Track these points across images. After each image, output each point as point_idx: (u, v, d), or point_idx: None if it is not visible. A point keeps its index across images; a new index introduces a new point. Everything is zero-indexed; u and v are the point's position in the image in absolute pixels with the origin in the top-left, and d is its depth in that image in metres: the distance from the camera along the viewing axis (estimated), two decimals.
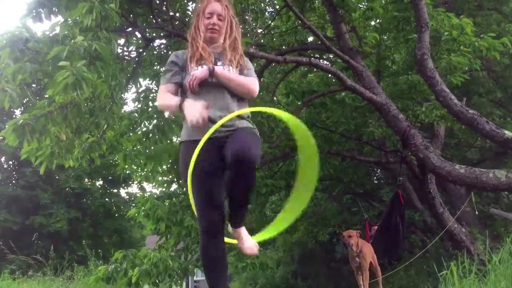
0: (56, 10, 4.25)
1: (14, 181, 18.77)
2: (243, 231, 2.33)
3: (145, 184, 17.93)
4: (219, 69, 2.29)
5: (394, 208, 6.23)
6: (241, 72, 2.40)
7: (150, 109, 6.60)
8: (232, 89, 2.32)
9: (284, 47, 7.55)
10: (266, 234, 2.43)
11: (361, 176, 9.93)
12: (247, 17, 6.74)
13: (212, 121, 2.16)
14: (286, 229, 2.47)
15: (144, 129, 6.71)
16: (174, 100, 2.27)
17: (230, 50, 2.39)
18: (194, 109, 2.13)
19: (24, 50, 4.03)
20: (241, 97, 2.36)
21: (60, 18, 4.29)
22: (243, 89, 2.33)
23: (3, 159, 18.90)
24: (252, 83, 2.37)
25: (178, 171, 7.48)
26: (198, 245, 6.26)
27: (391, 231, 6.15)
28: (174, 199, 7.04)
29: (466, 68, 6.44)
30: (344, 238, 5.44)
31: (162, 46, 6.70)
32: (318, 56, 8.32)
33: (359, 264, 5.28)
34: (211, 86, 2.28)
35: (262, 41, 7.54)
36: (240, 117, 2.29)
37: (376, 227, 6.83)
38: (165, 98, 2.32)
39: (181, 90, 2.37)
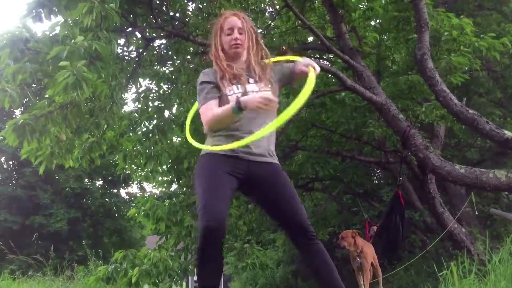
0: (56, 10, 4.25)
1: (14, 181, 18.77)
2: None
3: (145, 184, 17.98)
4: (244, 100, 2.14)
5: (394, 208, 6.22)
6: (277, 77, 2.37)
7: (150, 109, 6.60)
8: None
9: (286, 46, 7.54)
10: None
11: (361, 176, 9.92)
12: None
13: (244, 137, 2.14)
14: None
15: (144, 129, 6.71)
16: (225, 106, 2.18)
17: (257, 63, 2.34)
18: (259, 95, 2.10)
19: (24, 50, 4.03)
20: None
21: (60, 18, 4.29)
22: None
23: (3, 159, 18.91)
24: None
25: (178, 171, 7.49)
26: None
27: (391, 231, 6.15)
28: (174, 199, 7.04)
29: (466, 68, 6.44)
30: (337, 240, 5.45)
31: (162, 46, 6.70)
32: (318, 56, 8.32)
33: (360, 264, 5.28)
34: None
35: (262, 41, 7.52)
36: (271, 151, 2.28)
37: (375, 227, 6.83)
38: (215, 110, 2.21)
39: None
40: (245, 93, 2.22)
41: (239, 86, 2.26)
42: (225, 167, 2.17)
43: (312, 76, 2.12)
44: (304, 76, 2.19)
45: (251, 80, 2.30)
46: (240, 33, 2.32)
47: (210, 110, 2.21)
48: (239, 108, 2.09)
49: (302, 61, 2.27)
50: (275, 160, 2.29)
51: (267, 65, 2.39)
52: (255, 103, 2.06)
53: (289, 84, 2.45)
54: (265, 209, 2.34)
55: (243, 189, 2.29)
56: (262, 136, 2.15)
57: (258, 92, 2.23)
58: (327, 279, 2.17)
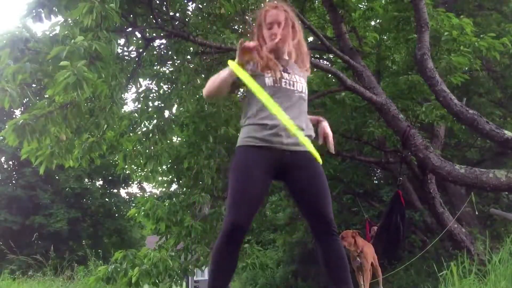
0: (56, 10, 4.25)
1: (14, 181, 18.78)
2: None
3: (145, 184, 17.99)
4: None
5: (394, 208, 6.22)
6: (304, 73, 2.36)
7: (150, 109, 6.60)
8: None
9: None
10: None
11: (361, 176, 9.92)
12: (247, 17, 6.74)
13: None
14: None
15: (144, 129, 6.71)
16: (224, 71, 2.15)
17: (296, 54, 2.34)
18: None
19: (24, 50, 4.03)
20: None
21: (60, 18, 4.29)
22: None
23: (3, 159, 18.92)
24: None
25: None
26: (198, 245, 6.28)
27: (391, 231, 6.15)
28: (174, 199, 7.04)
29: (466, 68, 6.44)
30: None
31: (162, 46, 6.69)
32: (318, 56, 8.32)
33: (360, 264, 5.29)
34: (289, 92, 2.20)
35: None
36: (310, 136, 2.25)
37: (375, 227, 6.83)
38: (213, 77, 2.20)
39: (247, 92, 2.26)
40: (277, 80, 2.20)
41: (270, 73, 2.22)
42: (258, 163, 2.14)
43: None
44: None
45: (288, 70, 2.27)
46: (281, 27, 2.28)
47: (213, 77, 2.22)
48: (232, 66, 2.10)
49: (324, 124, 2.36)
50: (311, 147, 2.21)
51: (304, 58, 2.38)
52: (239, 52, 2.07)
53: None
54: (293, 198, 2.33)
55: (279, 178, 2.27)
56: (300, 125, 2.15)
57: (295, 81, 2.23)
58: (339, 275, 2.15)
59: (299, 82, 2.25)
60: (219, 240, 2.11)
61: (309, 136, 2.23)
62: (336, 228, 2.20)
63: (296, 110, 2.19)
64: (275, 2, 2.38)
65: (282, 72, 2.23)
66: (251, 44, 2.07)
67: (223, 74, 2.16)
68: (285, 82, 2.21)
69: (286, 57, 2.32)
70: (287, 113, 2.09)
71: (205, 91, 2.25)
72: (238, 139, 2.23)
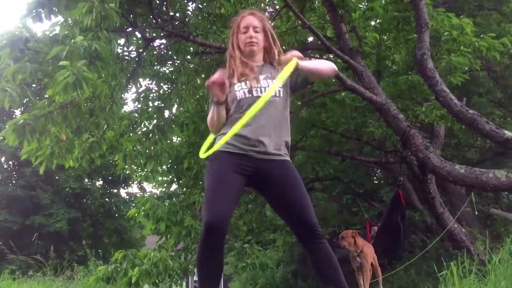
0: (56, 10, 4.25)
1: (14, 181, 18.77)
2: None
3: (145, 184, 17.99)
4: (302, 62, 2.20)
5: (395, 208, 6.22)
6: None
7: (150, 109, 6.60)
8: (315, 76, 2.35)
9: (284, 47, 7.54)
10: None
11: (361, 176, 9.93)
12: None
13: (252, 141, 2.18)
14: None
15: (144, 129, 6.71)
16: (213, 110, 2.28)
17: (269, 61, 2.38)
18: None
19: (24, 50, 4.03)
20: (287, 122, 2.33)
21: (60, 18, 4.29)
22: (321, 76, 2.39)
23: (3, 159, 18.90)
24: (326, 63, 2.36)
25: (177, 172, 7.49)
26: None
27: (391, 231, 6.15)
28: (174, 199, 7.06)
29: (466, 68, 6.44)
30: (338, 240, 5.45)
31: (162, 46, 6.70)
32: (318, 56, 8.31)
33: (360, 264, 5.28)
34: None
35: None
36: (282, 146, 2.27)
37: (376, 228, 6.83)
38: (209, 117, 2.33)
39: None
40: (250, 89, 2.24)
41: (246, 82, 2.27)
42: (231, 166, 2.16)
43: (293, 62, 2.17)
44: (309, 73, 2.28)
45: (262, 77, 2.30)
46: (256, 32, 2.34)
47: (208, 116, 2.34)
48: (214, 101, 2.24)
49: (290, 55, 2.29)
50: (284, 155, 2.25)
51: (280, 63, 2.37)
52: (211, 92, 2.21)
53: (297, 85, 2.42)
54: (273, 207, 2.35)
55: (253, 185, 2.30)
56: (271, 133, 2.21)
57: (266, 87, 2.25)
58: (332, 278, 2.17)
59: (269, 85, 2.26)
60: (199, 245, 2.12)
61: (276, 149, 2.23)
62: (321, 231, 2.20)
63: (264, 117, 2.20)
64: (251, 9, 2.48)
65: (255, 80, 2.28)
66: (215, 79, 2.16)
67: (214, 113, 2.28)
68: (256, 90, 2.25)
69: (260, 62, 2.36)
70: (255, 121, 2.15)
71: (210, 129, 2.37)
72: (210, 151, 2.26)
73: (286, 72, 2.13)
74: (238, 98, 2.24)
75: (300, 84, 2.40)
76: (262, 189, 2.30)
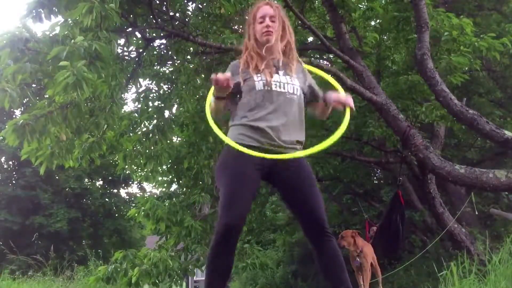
0: (56, 10, 4.25)
1: (14, 181, 18.77)
2: None
3: (145, 184, 17.99)
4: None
5: (394, 208, 6.22)
6: (304, 79, 2.34)
7: (150, 109, 6.60)
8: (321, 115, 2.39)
9: None
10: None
11: (361, 176, 9.92)
12: (247, 17, 6.73)
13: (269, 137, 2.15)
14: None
15: (144, 129, 6.71)
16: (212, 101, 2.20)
17: (284, 54, 2.32)
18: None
19: (24, 50, 4.03)
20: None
21: (60, 18, 4.29)
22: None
23: (3, 159, 18.91)
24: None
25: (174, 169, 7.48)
26: (198, 245, 6.28)
27: (391, 231, 6.15)
28: (174, 199, 7.06)
29: (466, 68, 6.44)
30: (337, 240, 5.46)
31: (162, 46, 6.69)
32: (318, 56, 8.32)
33: (359, 264, 5.29)
34: (281, 98, 2.20)
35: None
36: (298, 144, 2.25)
37: (375, 228, 6.83)
38: (210, 107, 2.23)
39: (232, 99, 2.26)
40: (269, 83, 2.20)
41: (261, 75, 2.23)
42: (247, 161, 2.10)
43: (347, 117, 2.17)
44: (326, 109, 2.32)
45: (281, 72, 2.27)
46: (273, 21, 2.29)
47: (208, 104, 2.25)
48: (214, 96, 2.15)
49: (341, 94, 2.26)
50: (299, 153, 2.21)
51: (294, 58, 2.35)
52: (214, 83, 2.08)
53: (306, 104, 2.39)
54: (285, 203, 2.32)
55: (268, 180, 2.27)
56: (289, 129, 2.19)
57: (286, 83, 2.23)
58: (337, 276, 2.16)
59: (290, 83, 2.24)
60: (214, 242, 2.08)
61: (292, 145, 2.22)
62: (328, 229, 2.19)
63: (281, 115, 2.18)
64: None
65: (273, 74, 2.23)
66: (220, 80, 2.06)
67: (213, 104, 2.20)
68: (276, 84, 2.21)
69: (279, 55, 2.29)
70: (271, 117, 2.14)
71: (210, 116, 2.24)
72: (227, 137, 2.21)
73: (342, 129, 2.17)
74: (257, 89, 2.19)
75: (307, 100, 2.39)
76: (276, 184, 2.27)
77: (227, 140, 2.16)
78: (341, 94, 2.27)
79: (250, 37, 2.33)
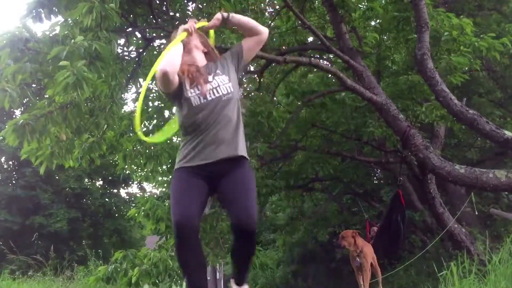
0: (56, 10, 4.25)
1: (14, 181, 18.76)
2: None
3: (145, 184, 17.98)
4: (233, 15, 2.45)
5: (394, 208, 6.22)
6: (226, 63, 2.45)
7: (150, 109, 6.60)
8: (245, 32, 2.48)
9: (284, 47, 7.55)
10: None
11: (361, 176, 9.92)
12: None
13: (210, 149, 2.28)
14: None
15: (144, 129, 6.71)
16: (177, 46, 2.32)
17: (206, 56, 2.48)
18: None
19: (24, 50, 4.03)
20: (240, 127, 2.38)
21: (60, 18, 4.29)
22: (254, 31, 2.46)
23: (3, 159, 18.90)
24: (258, 25, 2.48)
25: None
26: None
27: (391, 231, 6.15)
28: None
29: (466, 68, 6.44)
30: (338, 240, 5.45)
31: (162, 46, 6.69)
32: (318, 56, 8.31)
33: (359, 264, 5.29)
34: (214, 111, 2.29)
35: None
36: (242, 145, 2.34)
37: (375, 228, 6.83)
38: (171, 53, 2.28)
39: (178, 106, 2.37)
40: (204, 94, 2.30)
41: (198, 87, 2.32)
42: (193, 174, 2.28)
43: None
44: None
45: (211, 77, 2.36)
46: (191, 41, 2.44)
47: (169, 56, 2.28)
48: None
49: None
50: (237, 153, 2.31)
51: (213, 54, 2.51)
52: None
53: (244, 60, 2.50)
54: (221, 203, 2.47)
55: (213, 189, 2.36)
56: (226, 134, 2.29)
57: (214, 88, 2.33)
58: (242, 265, 2.41)
59: (222, 84, 2.34)
60: (175, 244, 2.23)
61: (233, 149, 2.31)
62: (253, 229, 2.25)
63: (222, 121, 2.28)
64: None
65: (205, 83, 2.33)
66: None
67: (178, 53, 2.29)
68: (210, 92, 2.31)
69: (203, 60, 2.44)
70: (212, 127, 2.26)
71: (165, 68, 2.24)
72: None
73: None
74: (193, 105, 2.28)
75: (242, 58, 2.49)
76: (217, 188, 2.35)
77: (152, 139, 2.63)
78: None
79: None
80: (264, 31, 2.48)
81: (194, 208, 2.23)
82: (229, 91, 2.32)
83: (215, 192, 2.37)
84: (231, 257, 2.46)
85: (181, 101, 2.32)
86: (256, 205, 2.29)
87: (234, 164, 2.30)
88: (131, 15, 5.41)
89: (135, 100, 6.70)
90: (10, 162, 18.99)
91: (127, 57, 6.12)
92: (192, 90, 2.30)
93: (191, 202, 2.23)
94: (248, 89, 8.38)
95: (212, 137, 2.27)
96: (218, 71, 2.38)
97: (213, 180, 2.30)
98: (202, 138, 2.28)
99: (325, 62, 8.41)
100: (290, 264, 13.04)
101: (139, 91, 6.66)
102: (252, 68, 7.84)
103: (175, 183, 2.33)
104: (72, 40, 3.85)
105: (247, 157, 2.40)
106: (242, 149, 2.34)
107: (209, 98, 2.28)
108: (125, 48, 6.06)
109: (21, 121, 4.24)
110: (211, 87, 2.31)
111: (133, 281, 5.61)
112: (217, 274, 20.62)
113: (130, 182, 19.61)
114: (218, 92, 2.30)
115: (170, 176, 7.79)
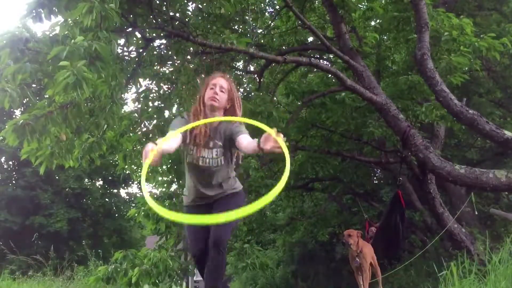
0: (56, 10, 4.25)
1: (14, 181, 18.78)
2: None
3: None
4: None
5: (394, 208, 6.22)
6: (230, 137, 2.67)
7: (150, 109, 6.59)
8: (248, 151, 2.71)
9: (284, 47, 7.55)
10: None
11: (361, 176, 9.92)
12: (247, 17, 6.74)
13: (204, 196, 2.86)
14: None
15: (144, 129, 6.70)
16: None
17: (224, 123, 2.70)
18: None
19: (24, 50, 4.02)
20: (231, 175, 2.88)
21: (60, 18, 4.28)
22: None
23: (3, 159, 18.91)
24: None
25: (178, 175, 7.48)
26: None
27: (391, 231, 6.15)
28: (174, 199, 7.04)
29: (466, 68, 6.45)
30: (344, 237, 5.44)
31: (162, 46, 6.68)
32: (318, 56, 8.32)
33: (359, 264, 5.28)
34: (204, 169, 2.76)
35: (262, 41, 7.53)
36: (223, 185, 2.82)
37: (373, 228, 6.83)
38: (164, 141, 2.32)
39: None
40: (197, 158, 2.72)
41: (196, 149, 2.72)
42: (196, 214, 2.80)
43: (288, 159, 1.89)
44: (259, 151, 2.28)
45: (211, 144, 2.72)
46: (222, 91, 2.69)
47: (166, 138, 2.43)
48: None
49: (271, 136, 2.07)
50: (227, 191, 2.83)
51: (233, 126, 2.72)
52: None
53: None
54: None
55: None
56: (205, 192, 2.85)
57: (207, 159, 2.72)
58: (211, 278, 2.72)
59: (214, 158, 2.72)
60: (193, 262, 3.08)
61: (223, 191, 2.85)
62: (224, 248, 2.69)
63: (207, 182, 2.79)
64: (223, 73, 2.91)
65: (202, 149, 2.71)
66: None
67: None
68: (202, 160, 2.72)
69: (217, 122, 2.70)
70: (199, 184, 2.81)
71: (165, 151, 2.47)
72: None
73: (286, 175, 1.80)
74: (188, 161, 2.76)
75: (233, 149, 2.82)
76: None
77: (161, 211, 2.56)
78: (271, 136, 2.06)
79: (200, 101, 2.74)
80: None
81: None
82: (218, 164, 2.74)
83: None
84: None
85: (187, 147, 2.75)
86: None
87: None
88: (131, 15, 5.40)
89: (135, 100, 6.69)
90: (10, 162, 19.01)
91: (127, 57, 6.11)
92: (191, 147, 2.73)
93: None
94: (248, 89, 8.38)
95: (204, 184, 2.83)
96: (217, 141, 2.72)
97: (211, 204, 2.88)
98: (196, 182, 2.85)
99: (325, 62, 8.42)
100: (290, 264, 13.04)
101: (139, 91, 6.66)
102: (252, 68, 7.85)
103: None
104: (72, 40, 3.84)
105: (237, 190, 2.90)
106: (229, 189, 2.86)
107: (200, 164, 2.73)
108: (125, 48, 6.05)
109: (21, 121, 4.23)
110: (203, 157, 2.71)
111: (133, 281, 5.61)
112: None
113: (130, 182, 19.63)
114: (208, 163, 2.72)
115: (170, 176, 7.81)
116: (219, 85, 2.69)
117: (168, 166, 7.56)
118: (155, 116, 6.57)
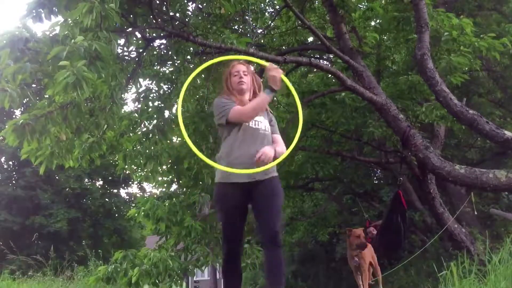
0: (56, 10, 4.25)
1: (14, 181, 18.77)
2: None
3: (145, 184, 17.98)
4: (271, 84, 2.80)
5: (394, 209, 6.21)
6: (269, 121, 2.94)
7: (150, 109, 6.59)
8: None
9: (284, 47, 7.55)
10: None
11: (361, 176, 9.93)
12: (247, 17, 6.74)
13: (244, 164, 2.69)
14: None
15: (144, 129, 6.70)
16: (258, 98, 2.80)
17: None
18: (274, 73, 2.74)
19: (24, 50, 4.02)
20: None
21: (60, 18, 4.28)
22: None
23: (3, 159, 18.92)
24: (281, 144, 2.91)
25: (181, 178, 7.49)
26: (198, 245, 6.35)
27: (392, 231, 6.14)
28: (174, 199, 7.04)
29: (466, 68, 6.45)
30: (350, 238, 5.42)
31: (162, 46, 6.68)
32: (318, 56, 8.32)
33: (358, 264, 5.28)
34: (254, 131, 2.81)
35: (262, 41, 7.53)
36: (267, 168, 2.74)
37: (372, 229, 6.82)
38: (248, 105, 2.81)
39: (227, 128, 2.83)
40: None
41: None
42: (234, 196, 2.74)
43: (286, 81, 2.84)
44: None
45: (260, 113, 2.85)
46: (245, 75, 2.94)
47: (243, 107, 2.79)
48: (272, 89, 2.74)
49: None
50: (269, 175, 2.77)
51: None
52: (276, 81, 2.71)
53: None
54: (254, 216, 2.86)
55: (249, 202, 2.82)
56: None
57: (256, 121, 2.84)
58: (275, 278, 2.63)
59: (262, 122, 2.87)
60: (223, 261, 2.84)
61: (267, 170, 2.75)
62: (281, 241, 2.68)
63: (258, 145, 2.75)
64: (239, 61, 3.04)
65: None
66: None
67: (265, 101, 2.78)
68: (252, 122, 2.82)
69: (248, 102, 2.89)
70: (250, 147, 2.74)
71: (242, 115, 2.77)
72: (216, 175, 2.88)
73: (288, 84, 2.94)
74: (242, 126, 2.78)
75: None
76: (252, 203, 2.82)
77: (216, 165, 2.80)
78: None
79: (229, 87, 2.94)
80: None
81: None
82: (266, 129, 2.86)
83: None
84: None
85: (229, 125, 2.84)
86: None
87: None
88: (131, 15, 5.40)
89: (135, 100, 6.69)
90: (10, 162, 19.01)
91: (127, 57, 6.12)
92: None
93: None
94: None
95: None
96: (264, 116, 2.90)
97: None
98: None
99: (325, 62, 8.42)
100: (290, 264, 13.03)
101: (139, 91, 6.66)
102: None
103: None
104: (72, 40, 3.84)
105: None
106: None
107: (250, 125, 2.81)
108: (125, 48, 6.06)
109: (21, 121, 4.23)
110: (256, 120, 2.83)
111: (133, 281, 5.61)
112: (217, 274, 20.62)
113: (130, 182, 19.63)
114: (257, 125, 2.83)
115: (170, 176, 7.81)
116: (242, 70, 2.93)
117: (168, 166, 7.56)
118: (155, 116, 6.57)
